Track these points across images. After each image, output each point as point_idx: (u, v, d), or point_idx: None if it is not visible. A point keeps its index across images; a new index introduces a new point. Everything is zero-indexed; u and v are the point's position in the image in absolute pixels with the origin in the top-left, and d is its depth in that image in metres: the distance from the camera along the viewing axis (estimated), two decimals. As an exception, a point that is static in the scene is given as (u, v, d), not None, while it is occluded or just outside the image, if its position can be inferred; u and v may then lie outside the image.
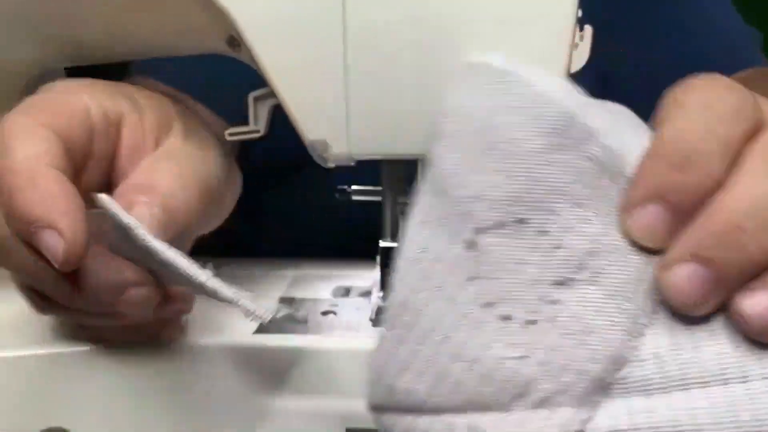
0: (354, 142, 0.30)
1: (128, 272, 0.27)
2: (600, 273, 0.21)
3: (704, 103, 0.21)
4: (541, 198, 0.21)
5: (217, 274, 0.35)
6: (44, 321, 0.35)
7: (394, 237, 0.35)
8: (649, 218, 0.21)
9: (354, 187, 0.37)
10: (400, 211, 0.35)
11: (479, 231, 0.21)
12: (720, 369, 0.19)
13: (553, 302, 0.21)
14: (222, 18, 0.29)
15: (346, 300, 0.38)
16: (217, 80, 0.49)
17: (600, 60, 0.52)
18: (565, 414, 0.20)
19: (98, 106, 0.28)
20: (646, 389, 0.20)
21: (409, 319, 0.22)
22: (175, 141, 0.30)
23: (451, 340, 0.21)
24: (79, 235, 0.24)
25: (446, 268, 0.21)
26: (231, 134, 0.33)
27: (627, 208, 0.21)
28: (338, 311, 0.36)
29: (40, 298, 0.29)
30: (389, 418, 0.22)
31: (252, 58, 0.29)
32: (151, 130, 0.30)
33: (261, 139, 0.33)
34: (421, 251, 0.22)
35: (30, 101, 0.28)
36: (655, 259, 0.21)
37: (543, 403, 0.20)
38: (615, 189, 0.21)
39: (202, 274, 0.25)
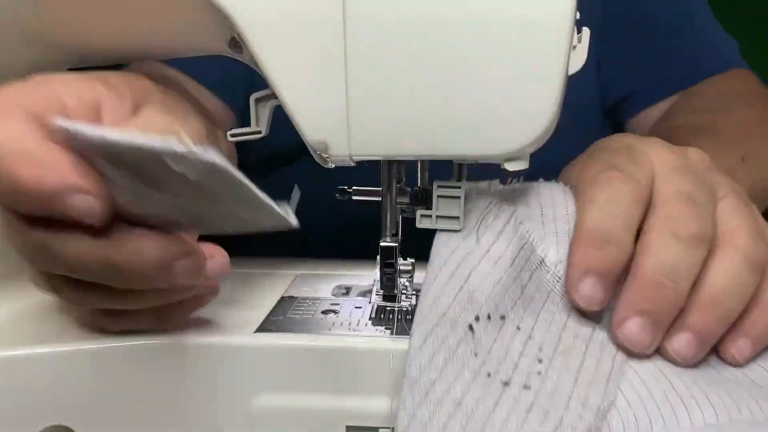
0: (354, 143, 0.30)
1: (172, 246, 0.27)
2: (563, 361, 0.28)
3: (607, 198, 0.30)
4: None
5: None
6: (44, 321, 0.36)
7: (394, 237, 0.35)
8: (588, 289, 0.29)
9: (354, 187, 0.37)
10: (400, 211, 0.35)
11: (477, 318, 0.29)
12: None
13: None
14: (224, 20, 0.29)
15: (346, 299, 0.38)
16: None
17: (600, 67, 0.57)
18: None
19: (71, 91, 0.28)
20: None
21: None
22: (148, 114, 0.29)
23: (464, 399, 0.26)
24: (105, 190, 0.25)
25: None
26: (233, 135, 0.33)
27: (571, 286, 0.30)
28: (339, 310, 0.36)
29: (80, 290, 0.29)
30: None
31: (253, 59, 0.30)
32: (131, 109, 0.30)
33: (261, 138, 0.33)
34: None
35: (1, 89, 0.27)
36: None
37: None
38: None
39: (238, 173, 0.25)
